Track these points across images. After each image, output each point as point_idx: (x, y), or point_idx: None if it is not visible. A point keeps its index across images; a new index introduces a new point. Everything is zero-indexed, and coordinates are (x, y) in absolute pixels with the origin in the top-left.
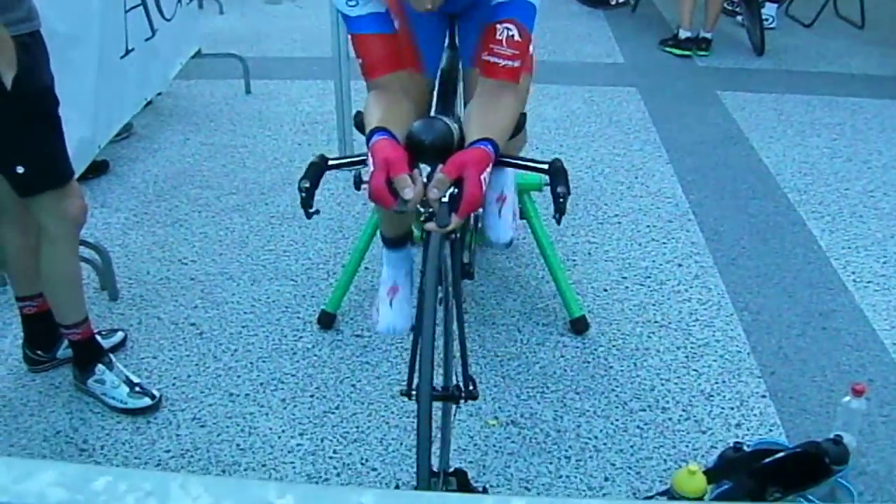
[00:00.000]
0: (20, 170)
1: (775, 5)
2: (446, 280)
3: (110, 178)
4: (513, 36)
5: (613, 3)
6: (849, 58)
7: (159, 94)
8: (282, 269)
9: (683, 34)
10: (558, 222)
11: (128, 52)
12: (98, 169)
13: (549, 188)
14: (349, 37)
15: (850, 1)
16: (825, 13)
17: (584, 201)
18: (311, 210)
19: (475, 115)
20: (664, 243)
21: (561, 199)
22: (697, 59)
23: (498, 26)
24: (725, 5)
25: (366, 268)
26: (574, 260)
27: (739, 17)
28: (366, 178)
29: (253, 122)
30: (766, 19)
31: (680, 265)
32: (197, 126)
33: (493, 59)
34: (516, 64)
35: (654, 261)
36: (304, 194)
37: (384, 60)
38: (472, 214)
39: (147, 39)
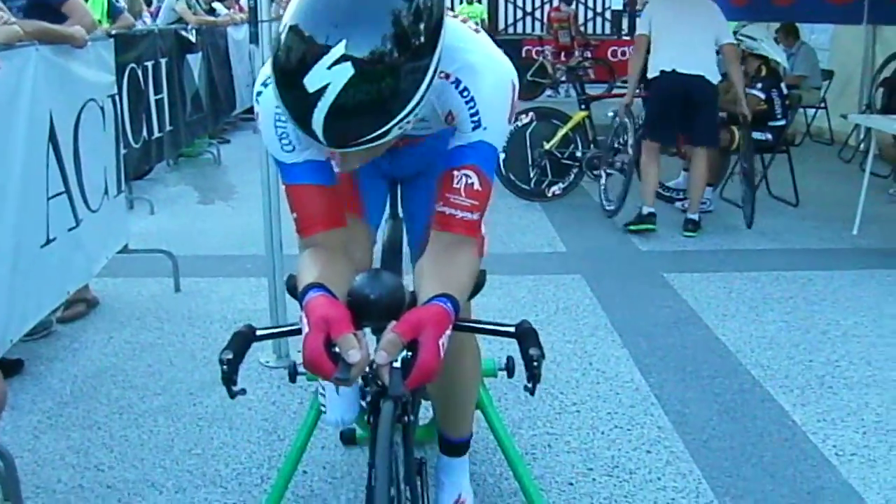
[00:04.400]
0: None
1: (710, 188)
2: (398, 477)
3: (24, 377)
4: (472, 184)
5: (550, 194)
6: (788, 234)
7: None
8: (210, 474)
9: (647, 210)
10: (532, 392)
11: (49, 241)
12: (10, 369)
13: (504, 373)
14: (283, 188)
15: (782, 182)
16: (760, 193)
17: (538, 391)
18: (236, 388)
19: (429, 269)
20: (629, 430)
21: (535, 363)
22: (639, 243)
23: (455, 173)
24: (660, 191)
25: (304, 471)
26: (533, 454)
27: (678, 204)
28: (301, 369)
29: (182, 321)
30: (703, 202)
31: (648, 452)
32: (121, 324)
33: (449, 211)
34: (475, 216)
35: (619, 449)
36: (225, 367)
37: (320, 215)
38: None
39: (70, 230)
